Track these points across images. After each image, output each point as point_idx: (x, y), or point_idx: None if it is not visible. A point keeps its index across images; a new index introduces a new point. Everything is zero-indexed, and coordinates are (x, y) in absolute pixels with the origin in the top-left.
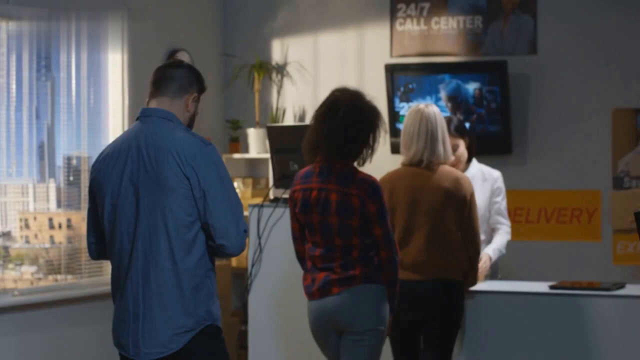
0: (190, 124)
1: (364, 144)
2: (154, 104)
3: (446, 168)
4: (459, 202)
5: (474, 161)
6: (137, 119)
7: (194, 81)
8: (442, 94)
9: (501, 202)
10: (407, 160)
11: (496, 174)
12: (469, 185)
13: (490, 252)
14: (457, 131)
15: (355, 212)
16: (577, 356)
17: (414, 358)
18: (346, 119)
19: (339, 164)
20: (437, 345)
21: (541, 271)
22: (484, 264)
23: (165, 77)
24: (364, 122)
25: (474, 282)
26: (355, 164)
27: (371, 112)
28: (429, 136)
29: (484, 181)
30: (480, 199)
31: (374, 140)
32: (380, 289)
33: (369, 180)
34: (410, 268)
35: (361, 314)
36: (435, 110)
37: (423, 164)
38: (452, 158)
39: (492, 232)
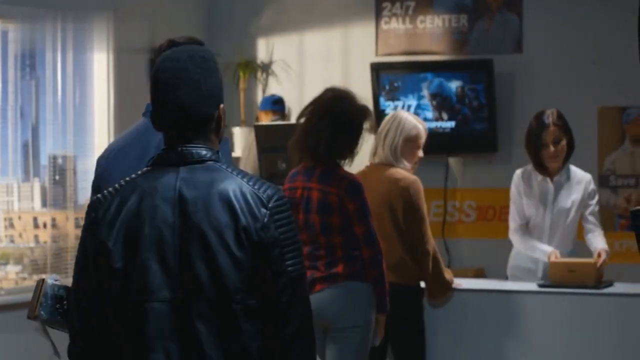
0: None
1: (352, 146)
2: None
3: (393, 170)
4: (393, 204)
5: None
6: (143, 114)
7: None
8: (426, 92)
9: (595, 205)
10: (369, 160)
11: (588, 176)
12: (410, 187)
13: (604, 246)
14: (562, 124)
15: (334, 210)
16: (566, 354)
17: None
18: (335, 125)
19: (324, 165)
20: (409, 352)
21: None
22: (602, 257)
23: None
24: (354, 126)
25: (442, 289)
26: (343, 163)
27: (361, 115)
28: (382, 138)
29: (577, 183)
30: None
31: (361, 142)
32: (364, 287)
33: (349, 179)
34: None
35: (343, 311)
36: (406, 117)
37: (376, 164)
38: (407, 165)
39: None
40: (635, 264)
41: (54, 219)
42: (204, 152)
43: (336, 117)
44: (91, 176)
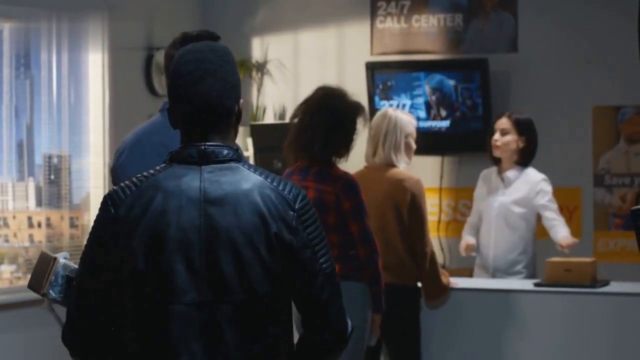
0: None
1: (347, 143)
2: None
3: (395, 170)
4: (397, 204)
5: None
6: (160, 111)
7: None
8: (427, 88)
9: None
10: (366, 162)
11: (540, 177)
12: (414, 187)
13: (565, 234)
14: (516, 124)
15: (330, 208)
16: (562, 353)
17: None
18: (329, 123)
19: (319, 164)
20: (404, 353)
21: None
22: (568, 241)
23: None
24: (347, 123)
25: (439, 291)
26: (339, 160)
27: (354, 112)
28: (382, 139)
29: (525, 182)
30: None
31: (354, 138)
32: (360, 287)
33: (345, 177)
34: None
35: None
36: (400, 115)
37: (376, 165)
38: (409, 162)
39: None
40: (631, 263)
41: (48, 219)
42: (225, 152)
43: (329, 114)
44: (86, 175)
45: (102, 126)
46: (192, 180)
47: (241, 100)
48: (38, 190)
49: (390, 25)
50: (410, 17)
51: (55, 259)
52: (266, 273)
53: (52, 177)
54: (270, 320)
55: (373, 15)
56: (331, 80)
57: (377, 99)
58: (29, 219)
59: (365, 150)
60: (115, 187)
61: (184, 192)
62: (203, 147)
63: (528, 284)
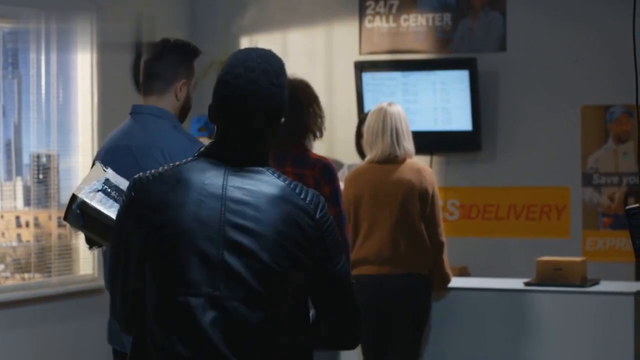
0: (182, 114)
1: (307, 118)
2: (144, 101)
3: (410, 161)
4: (422, 193)
5: None
6: (130, 114)
7: (179, 66)
8: (415, 88)
9: None
10: (374, 157)
11: None
12: (431, 177)
13: None
14: None
15: None
16: (552, 352)
17: (382, 353)
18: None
19: (293, 148)
20: (407, 342)
21: (510, 268)
22: None
23: (150, 74)
24: (295, 103)
25: (445, 280)
26: (314, 138)
27: (297, 89)
28: (394, 132)
29: None
30: None
31: (319, 109)
32: None
33: (323, 162)
34: (376, 261)
35: None
36: (399, 108)
37: (390, 159)
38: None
39: None
40: (621, 262)
41: (36, 218)
42: (252, 156)
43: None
44: (74, 174)
45: (91, 126)
46: (216, 177)
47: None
48: (26, 190)
49: (378, 24)
50: (399, 17)
51: (74, 195)
52: (281, 278)
53: (41, 176)
54: (277, 319)
55: (362, 14)
56: (319, 80)
57: (365, 98)
58: (17, 218)
59: (368, 145)
60: (141, 173)
61: (206, 186)
62: (234, 147)
63: (518, 283)
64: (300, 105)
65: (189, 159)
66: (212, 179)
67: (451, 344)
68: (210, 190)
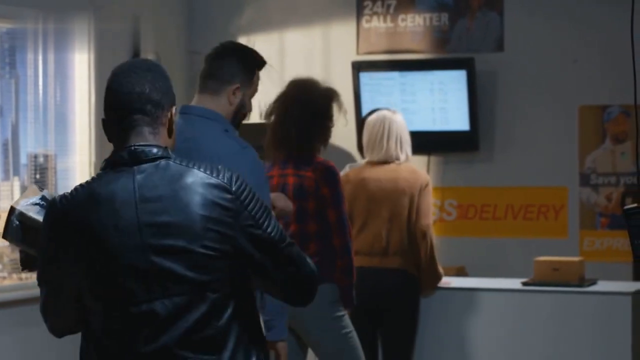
0: (235, 119)
1: (324, 130)
2: (195, 101)
3: (407, 163)
4: (416, 192)
5: None
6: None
7: (236, 70)
8: (413, 88)
9: None
10: (376, 159)
11: None
12: (426, 176)
13: None
14: None
15: (309, 194)
16: (550, 352)
17: (372, 351)
18: (304, 114)
19: (300, 151)
20: (400, 340)
21: (508, 268)
22: None
23: (206, 72)
24: (322, 112)
25: (436, 280)
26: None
27: (327, 99)
28: (398, 139)
29: None
30: None
31: (332, 122)
32: (331, 288)
33: (325, 164)
34: (369, 253)
35: (309, 319)
36: (402, 117)
37: (389, 161)
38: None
39: None
40: (618, 262)
41: None
42: (155, 150)
43: (302, 107)
44: (72, 174)
45: (88, 125)
46: (126, 183)
47: (174, 108)
48: (23, 190)
49: (376, 24)
50: (397, 17)
51: (12, 208)
52: (212, 261)
53: (38, 176)
54: (221, 304)
55: (359, 14)
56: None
57: (363, 98)
58: None
59: (369, 148)
60: (56, 196)
61: (118, 195)
62: (132, 147)
63: (516, 283)
64: (321, 118)
65: (98, 173)
66: (121, 186)
67: (448, 344)
68: (123, 199)
